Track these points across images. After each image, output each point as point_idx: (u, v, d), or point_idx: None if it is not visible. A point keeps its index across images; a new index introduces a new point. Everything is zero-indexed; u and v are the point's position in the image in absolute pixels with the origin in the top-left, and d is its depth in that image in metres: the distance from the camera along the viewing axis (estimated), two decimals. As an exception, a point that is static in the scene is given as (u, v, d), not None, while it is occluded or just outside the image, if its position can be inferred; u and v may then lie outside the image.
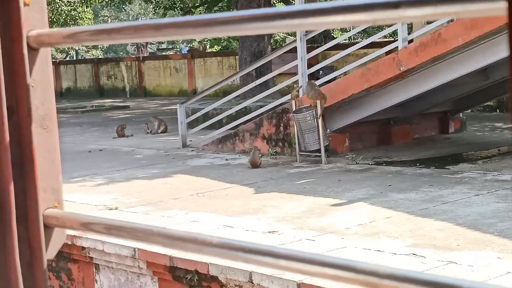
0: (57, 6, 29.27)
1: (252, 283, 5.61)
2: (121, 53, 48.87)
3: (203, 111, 13.59)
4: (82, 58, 43.37)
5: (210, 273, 5.93)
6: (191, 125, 13.49)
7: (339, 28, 35.73)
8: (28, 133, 0.97)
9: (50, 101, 1.01)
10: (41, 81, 1.00)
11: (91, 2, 29.30)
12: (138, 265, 6.55)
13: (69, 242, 7.04)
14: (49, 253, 1.00)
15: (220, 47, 37.73)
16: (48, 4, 26.83)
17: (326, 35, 21.74)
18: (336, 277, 0.68)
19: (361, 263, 0.68)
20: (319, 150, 10.34)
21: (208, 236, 0.77)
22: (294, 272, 0.73)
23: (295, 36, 12.92)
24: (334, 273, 0.68)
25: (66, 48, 38.52)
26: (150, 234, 0.84)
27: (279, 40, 33.65)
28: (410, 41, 10.40)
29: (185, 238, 0.81)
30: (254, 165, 10.22)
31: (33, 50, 0.99)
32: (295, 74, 11.83)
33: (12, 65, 0.96)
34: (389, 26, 12.71)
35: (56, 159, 1.01)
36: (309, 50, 11.87)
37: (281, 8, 0.83)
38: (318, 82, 11.85)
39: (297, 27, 0.80)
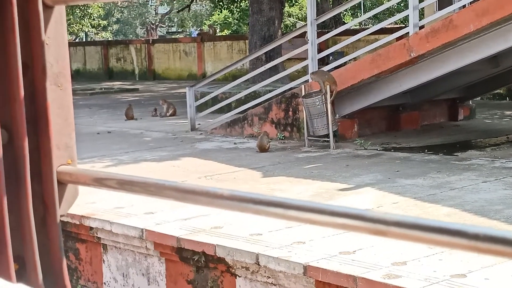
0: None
1: (259, 265, 5.63)
2: (131, 35, 48.85)
3: (212, 95, 13.59)
4: (92, 40, 43.36)
5: (217, 254, 5.95)
6: (200, 108, 13.50)
7: (350, 13, 35.60)
8: (42, 90, 0.98)
9: (64, 59, 1.02)
10: (55, 38, 1.01)
11: None
12: (146, 246, 6.58)
13: (77, 222, 7.08)
14: (62, 209, 1.01)
15: (230, 31, 37.65)
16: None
17: (337, 20, 21.66)
18: (345, 226, 0.69)
19: (369, 211, 0.69)
20: (327, 135, 10.34)
21: (219, 189, 0.78)
22: (304, 222, 0.74)
23: (305, 21, 12.90)
24: (343, 222, 0.69)
25: (76, 30, 38.49)
26: (162, 188, 0.85)
27: (289, 25, 33.56)
28: (421, 27, 10.36)
29: (196, 191, 0.82)
30: (262, 149, 10.23)
31: (48, 8, 0.99)
32: (305, 59, 11.82)
33: (27, 23, 0.97)
34: (400, 12, 12.67)
35: (70, 116, 1.02)
36: (319, 35, 11.84)
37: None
38: (328, 67, 11.85)
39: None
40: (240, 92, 13.39)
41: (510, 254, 0.61)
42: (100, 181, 0.95)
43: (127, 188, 0.90)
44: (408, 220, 0.66)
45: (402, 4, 28.20)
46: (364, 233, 0.71)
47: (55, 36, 1.01)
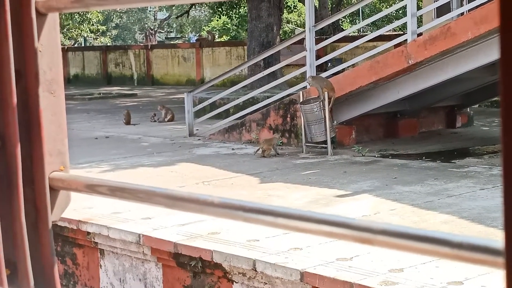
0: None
1: (256, 271, 5.63)
2: (130, 41, 48.89)
3: (210, 101, 13.60)
4: (91, 45, 43.38)
5: (214, 260, 5.95)
6: (198, 114, 13.51)
7: (348, 20, 35.68)
8: (35, 97, 0.99)
9: (58, 66, 1.03)
10: (48, 46, 1.02)
11: None
12: (143, 251, 6.58)
13: (74, 227, 7.08)
14: (54, 215, 1.02)
15: (228, 37, 37.72)
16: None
17: (335, 27, 21.70)
18: (332, 234, 0.70)
19: (356, 220, 0.69)
20: (325, 142, 10.35)
21: (209, 196, 0.78)
22: (292, 230, 0.75)
23: (304, 27, 12.92)
24: (330, 230, 0.69)
25: (75, 35, 38.52)
26: (152, 194, 0.86)
27: (288, 31, 33.61)
28: (419, 34, 10.38)
29: (186, 198, 0.82)
30: (268, 148, 10.25)
31: (41, 15, 1.00)
32: (303, 65, 11.84)
33: (20, 30, 0.98)
34: (399, 19, 12.72)
35: (62, 123, 1.03)
36: (317, 41, 11.86)
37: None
38: (326, 74, 11.87)
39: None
40: (238, 98, 13.41)
41: (493, 263, 0.61)
42: (92, 188, 0.96)
43: (118, 194, 0.91)
44: (394, 229, 0.67)
45: (400, 11, 28.28)
46: (351, 241, 0.71)
47: (48, 43, 1.02)
